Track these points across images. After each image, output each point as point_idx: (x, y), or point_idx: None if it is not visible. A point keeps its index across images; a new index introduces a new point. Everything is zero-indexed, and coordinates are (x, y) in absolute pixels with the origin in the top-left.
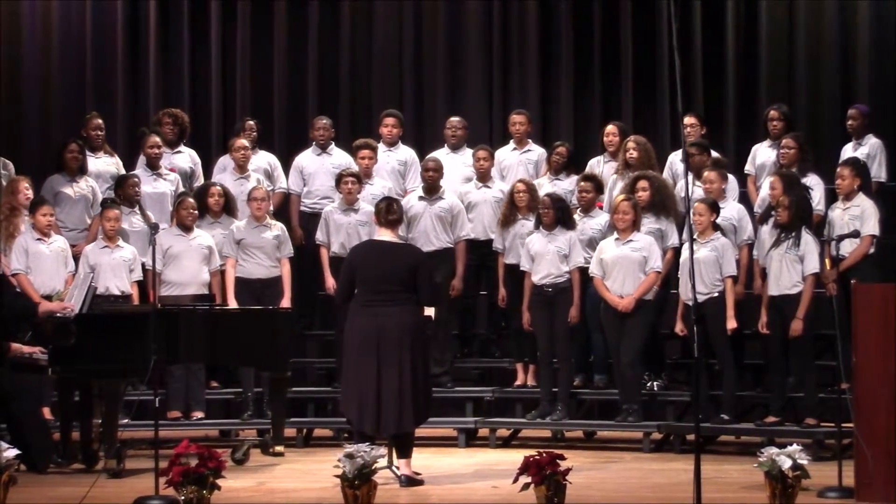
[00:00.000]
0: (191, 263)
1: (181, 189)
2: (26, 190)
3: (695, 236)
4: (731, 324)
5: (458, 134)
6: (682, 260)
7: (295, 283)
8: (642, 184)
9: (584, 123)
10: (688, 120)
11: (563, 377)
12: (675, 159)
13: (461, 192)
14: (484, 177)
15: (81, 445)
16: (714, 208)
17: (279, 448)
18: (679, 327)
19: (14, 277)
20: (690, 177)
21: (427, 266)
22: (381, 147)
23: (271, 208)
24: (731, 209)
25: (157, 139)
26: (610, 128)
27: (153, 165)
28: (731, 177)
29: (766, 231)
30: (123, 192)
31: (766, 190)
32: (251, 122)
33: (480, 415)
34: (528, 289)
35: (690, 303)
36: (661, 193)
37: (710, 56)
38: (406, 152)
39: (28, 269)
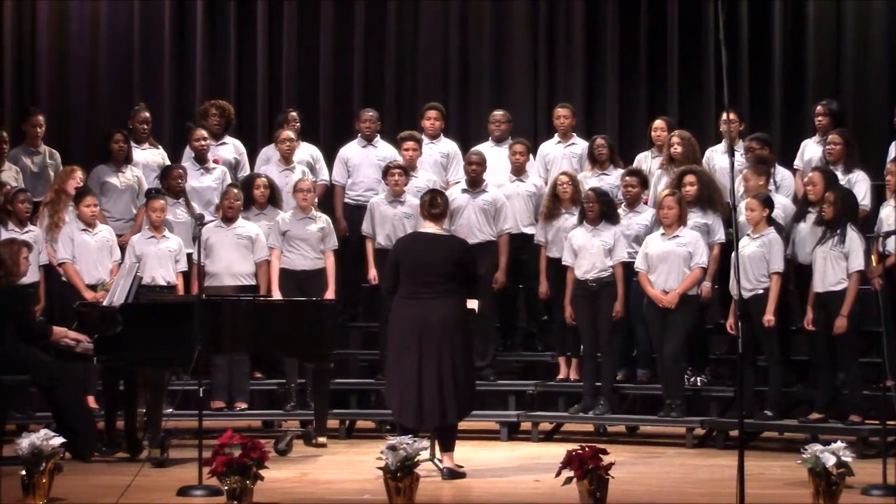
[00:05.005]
0: (226, 255)
1: (228, 181)
2: (79, 179)
3: (748, 231)
4: (768, 317)
5: (501, 128)
6: (732, 256)
7: (339, 275)
8: (690, 178)
9: (628, 117)
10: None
11: (606, 371)
12: (713, 154)
13: (495, 185)
14: (519, 170)
15: (126, 434)
16: (767, 203)
17: (322, 439)
18: (730, 322)
19: (61, 266)
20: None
21: (471, 258)
22: (424, 140)
23: (316, 200)
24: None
25: (204, 132)
26: (658, 123)
27: (201, 159)
28: (786, 172)
29: (804, 228)
30: (168, 184)
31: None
32: (294, 114)
33: (523, 408)
34: (571, 283)
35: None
36: (708, 188)
37: (756, 50)
38: (448, 145)
39: (74, 259)
